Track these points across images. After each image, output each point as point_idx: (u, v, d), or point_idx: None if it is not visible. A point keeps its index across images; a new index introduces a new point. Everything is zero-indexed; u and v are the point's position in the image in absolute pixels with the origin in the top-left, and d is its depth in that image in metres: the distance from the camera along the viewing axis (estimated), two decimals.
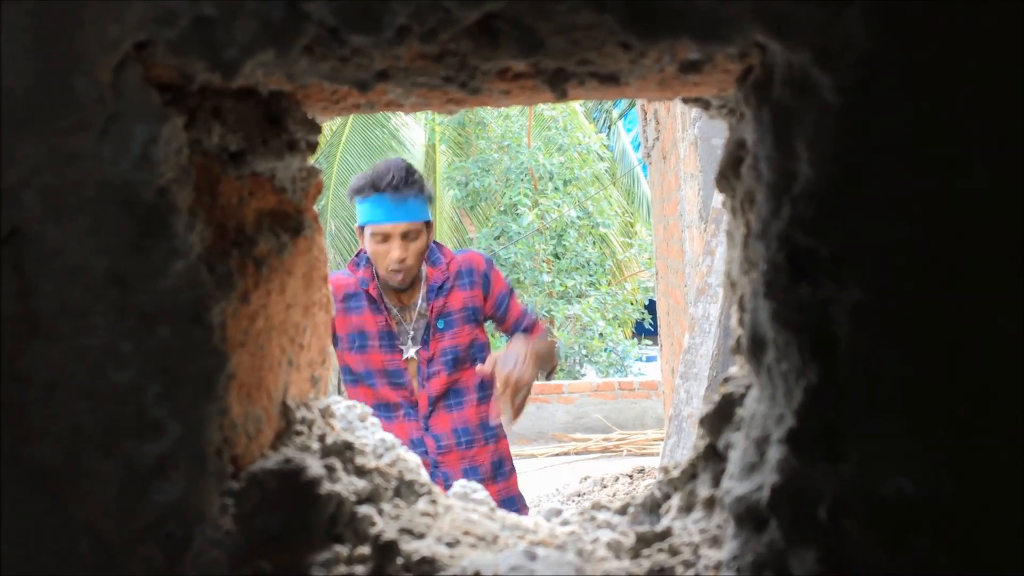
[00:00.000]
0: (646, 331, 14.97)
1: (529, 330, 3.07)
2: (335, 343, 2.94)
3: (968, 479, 0.59)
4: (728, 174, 0.81)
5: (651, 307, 13.56)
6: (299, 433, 0.84)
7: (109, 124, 0.68)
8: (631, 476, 7.78)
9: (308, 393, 0.92)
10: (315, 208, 0.93)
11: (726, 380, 0.77)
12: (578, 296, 13.52)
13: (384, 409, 2.94)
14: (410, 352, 2.94)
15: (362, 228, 2.94)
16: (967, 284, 0.59)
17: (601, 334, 13.24)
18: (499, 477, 3.03)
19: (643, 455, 9.07)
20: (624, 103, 15.22)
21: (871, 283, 0.60)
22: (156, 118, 0.69)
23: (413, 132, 14.64)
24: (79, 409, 0.70)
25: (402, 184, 2.82)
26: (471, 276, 3.02)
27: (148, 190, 0.69)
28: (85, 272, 0.69)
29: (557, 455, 9.43)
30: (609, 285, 14.18)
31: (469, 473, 2.93)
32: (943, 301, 0.59)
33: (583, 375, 13.63)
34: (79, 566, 0.68)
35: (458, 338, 2.96)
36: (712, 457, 0.76)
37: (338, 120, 14.22)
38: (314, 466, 0.75)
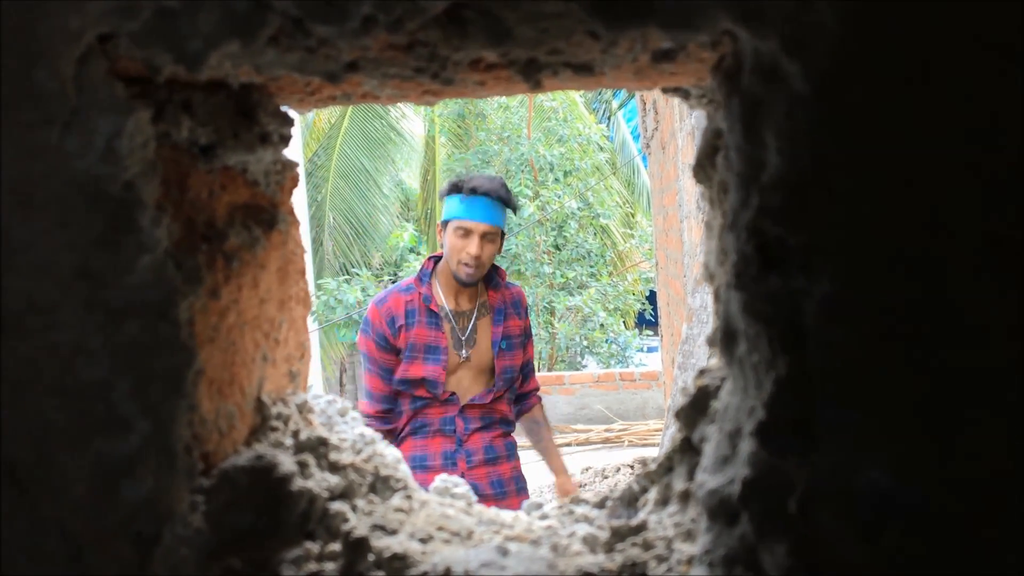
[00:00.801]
0: (647, 322, 14.97)
1: (531, 396, 3.45)
2: (397, 354, 3.13)
3: (937, 470, 0.58)
4: (705, 164, 0.80)
5: (652, 297, 13.56)
6: (274, 429, 0.83)
7: (73, 118, 0.67)
8: (632, 467, 7.78)
9: (286, 388, 0.92)
10: (291, 201, 0.93)
11: (702, 372, 0.76)
12: (579, 287, 13.50)
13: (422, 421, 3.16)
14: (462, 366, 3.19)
15: (445, 224, 3.18)
16: (936, 275, 0.58)
17: (602, 325, 13.22)
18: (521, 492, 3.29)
19: (645, 445, 9.07)
20: (623, 93, 15.18)
21: (840, 274, 0.59)
22: (121, 111, 0.68)
23: (413, 124, 14.61)
24: (48, 406, 0.69)
25: (497, 194, 3.13)
26: (521, 307, 3.34)
27: (114, 184, 0.68)
28: (52, 268, 0.69)
29: (559, 446, 9.42)
30: (610, 276, 14.16)
31: (495, 485, 3.19)
32: (912, 292, 0.58)
33: (584, 366, 13.62)
34: (48, 564, 0.68)
35: (515, 359, 3.25)
36: (688, 450, 0.75)
37: (336, 112, 14.19)
38: (286, 463, 0.74)
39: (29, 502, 0.68)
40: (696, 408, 0.75)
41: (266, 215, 0.86)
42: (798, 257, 0.60)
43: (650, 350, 15.18)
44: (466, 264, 3.11)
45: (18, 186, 0.67)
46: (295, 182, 0.93)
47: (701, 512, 0.68)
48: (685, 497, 0.74)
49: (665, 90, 0.90)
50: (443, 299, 3.21)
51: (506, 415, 3.26)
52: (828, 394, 0.60)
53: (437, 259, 3.29)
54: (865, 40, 0.58)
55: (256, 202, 0.85)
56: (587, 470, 8.16)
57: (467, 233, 3.11)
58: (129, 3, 0.66)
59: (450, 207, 3.16)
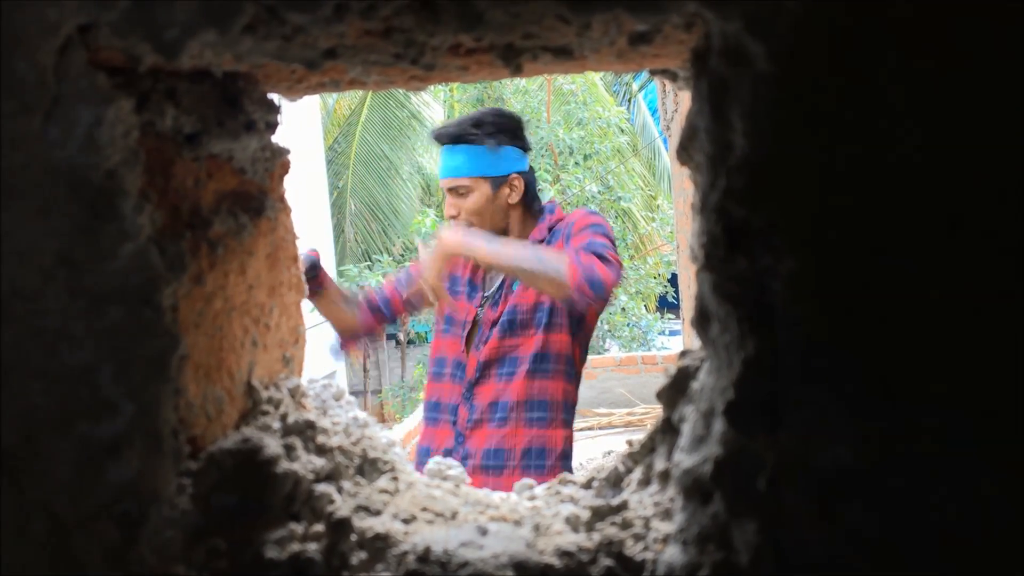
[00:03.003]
0: (669, 305, 14.92)
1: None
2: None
3: (898, 448, 0.59)
4: (688, 146, 0.80)
5: (674, 280, 13.50)
6: (265, 413, 0.84)
7: (53, 107, 0.68)
8: None
9: (279, 373, 0.93)
10: (282, 188, 0.93)
11: (684, 354, 0.77)
12: None
13: (438, 365, 2.77)
14: (481, 312, 2.71)
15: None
16: (898, 253, 0.58)
17: (624, 309, 13.20)
18: (533, 468, 2.59)
19: None
20: (644, 75, 15.07)
21: (804, 253, 0.59)
22: (101, 100, 0.69)
23: (432, 111, 14.62)
24: (34, 390, 0.71)
25: (458, 137, 2.65)
26: (561, 232, 2.64)
27: (95, 173, 0.69)
28: (35, 254, 0.70)
29: (581, 430, 9.44)
30: (632, 259, 14.12)
31: (491, 455, 2.59)
32: (875, 271, 0.58)
33: (606, 350, 13.62)
34: (34, 545, 0.69)
35: (522, 297, 2.62)
36: (669, 431, 0.76)
37: (356, 99, 14.21)
38: (272, 445, 0.75)
39: (15, 485, 0.69)
40: (676, 388, 0.75)
41: (254, 202, 0.87)
42: (763, 236, 0.60)
43: (672, 333, 15.15)
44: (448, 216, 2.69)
45: (1, 175, 0.68)
46: (286, 168, 0.94)
47: (678, 491, 0.69)
48: (665, 477, 0.74)
49: (653, 72, 0.90)
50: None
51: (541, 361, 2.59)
52: (794, 372, 0.60)
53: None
54: (826, 18, 0.58)
55: (244, 189, 0.86)
56: (609, 453, 8.16)
57: (447, 192, 2.70)
58: None
59: (448, 161, 2.71)
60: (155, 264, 0.71)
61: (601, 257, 2.43)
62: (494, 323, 2.67)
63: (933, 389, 0.58)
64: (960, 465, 0.58)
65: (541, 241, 2.66)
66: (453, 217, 2.67)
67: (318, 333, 2.41)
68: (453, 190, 2.67)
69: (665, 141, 12.76)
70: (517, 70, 0.80)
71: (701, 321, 0.67)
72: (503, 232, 2.68)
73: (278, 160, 0.92)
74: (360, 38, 0.71)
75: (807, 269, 0.59)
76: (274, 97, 0.88)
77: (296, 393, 0.91)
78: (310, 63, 0.74)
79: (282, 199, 0.93)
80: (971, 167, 0.57)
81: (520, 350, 2.63)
